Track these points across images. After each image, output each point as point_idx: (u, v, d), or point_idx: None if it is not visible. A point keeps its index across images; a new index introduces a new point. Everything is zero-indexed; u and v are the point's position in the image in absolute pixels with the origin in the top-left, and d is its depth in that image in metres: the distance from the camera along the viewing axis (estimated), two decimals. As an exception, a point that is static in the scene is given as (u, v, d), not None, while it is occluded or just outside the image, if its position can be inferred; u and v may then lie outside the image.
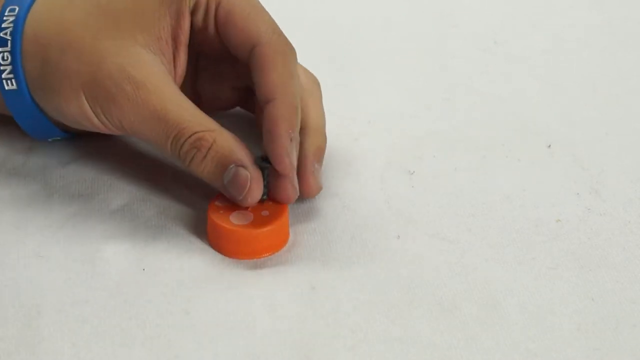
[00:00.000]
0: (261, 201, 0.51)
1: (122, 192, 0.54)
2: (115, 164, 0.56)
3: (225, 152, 0.50)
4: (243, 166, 0.50)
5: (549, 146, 0.59)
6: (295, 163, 0.51)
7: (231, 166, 0.49)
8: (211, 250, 0.51)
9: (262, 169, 0.50)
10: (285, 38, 0.53)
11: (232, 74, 0.56)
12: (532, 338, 0.46)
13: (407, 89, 0.65)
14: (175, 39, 0.52)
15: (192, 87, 0.56)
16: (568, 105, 0.64)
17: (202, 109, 0.51)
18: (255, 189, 0.50)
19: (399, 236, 0.52)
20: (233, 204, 0.51)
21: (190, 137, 0.50)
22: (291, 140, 0.50)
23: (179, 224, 0.52)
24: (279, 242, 0.51)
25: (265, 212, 0.51)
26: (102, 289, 0.48)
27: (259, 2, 0.53)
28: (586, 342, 0.46)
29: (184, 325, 0.47)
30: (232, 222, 0.50)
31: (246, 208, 0.51)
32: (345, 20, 0.73)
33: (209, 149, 0.50)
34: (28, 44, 0.51)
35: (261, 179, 0.50)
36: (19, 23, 0.51)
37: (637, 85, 0.66)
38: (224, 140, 0.50)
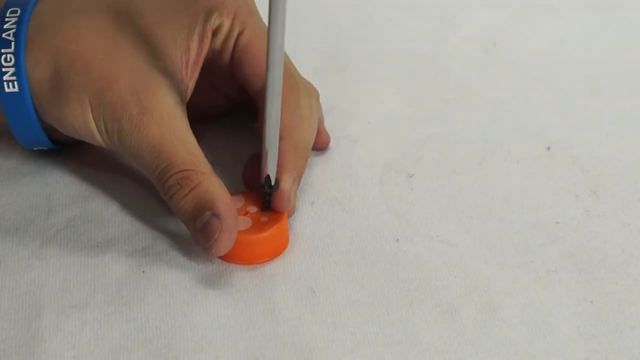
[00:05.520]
0: (262, 210, 0.51)
1: (122, 193, 0.54)
2: (116, 165, 0.56)
3: (206, 197, 0.49)
4: (218, 217, 0.48)
5: (548, 148, 0.59)
6: (292, 199, 0.51)
7: (207, 212, 0.49)
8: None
9: (265, 194, 0.51)
10: (300, 81, 0.53)
11: (228, 87, 0.56)
12: (531, 340, 0.46)
13: (406, 91, 0.65)
14: (194, 63, 0.52)
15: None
16: (567, 107, 0.64)
17: (190, 113, 0.51)
18: (223, 242, 0.48)
19: (398, 239, 0.52)
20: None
21: (177, 172, 0.49)
22: (293, 181, 0.51)
23: (179, 226, 0.52)
24: (278, 248, 0.51)
25: (264, 218, 0.51)
26: (102, 291, 0.48)
27: None
28: (585, 344, 0.46)
29: (184, 328, 0.47)
30: None
31: (246, 213, 0.51)
32: (345, 20, 0.73)
33: (192, 189, 0.49)
34: (36, 50, 0.50)
35: (234, 233, 0.49)
36: (22, 25, 0.51)
37: (637, 87, 0.66)
38: (209, 185, 0.49)
